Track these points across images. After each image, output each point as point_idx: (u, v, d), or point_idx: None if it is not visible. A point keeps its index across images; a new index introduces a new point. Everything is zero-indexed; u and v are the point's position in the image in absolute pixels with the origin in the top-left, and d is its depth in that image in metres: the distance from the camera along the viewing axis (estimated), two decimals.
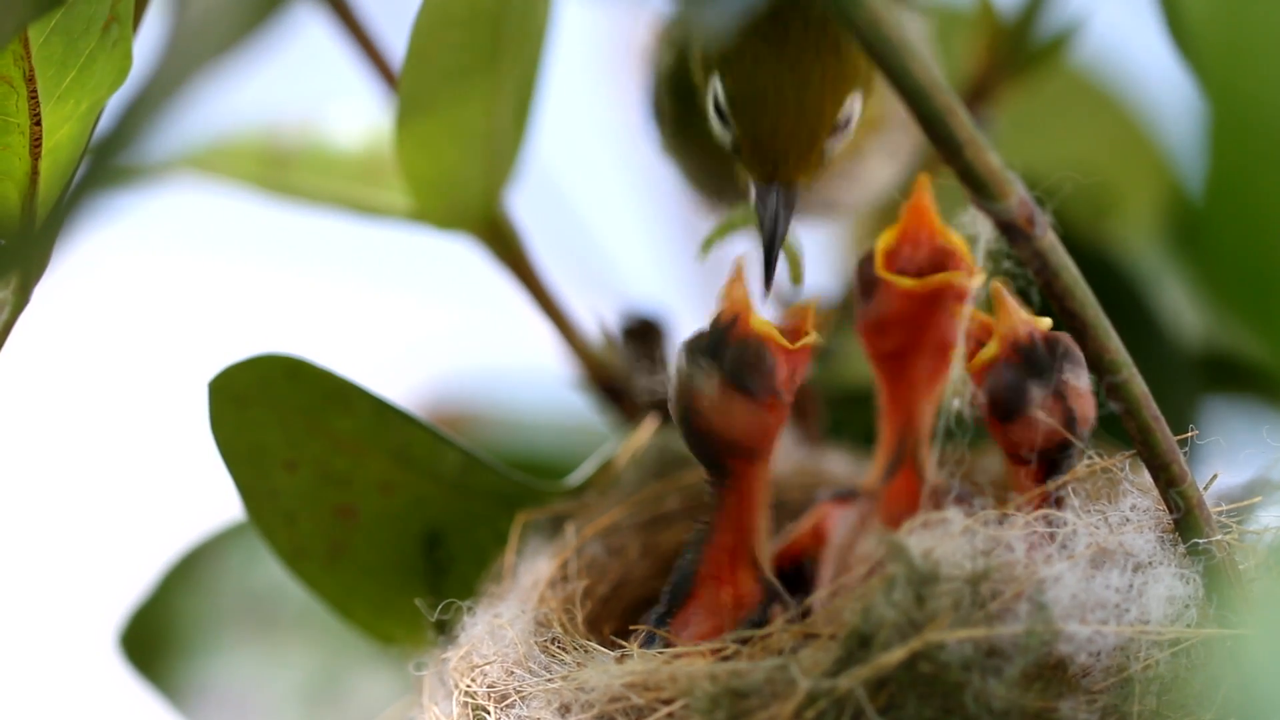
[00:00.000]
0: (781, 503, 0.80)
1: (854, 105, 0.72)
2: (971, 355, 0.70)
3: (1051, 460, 0.68)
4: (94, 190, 0.57)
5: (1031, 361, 0.68)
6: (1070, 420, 0.68)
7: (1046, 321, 0.69)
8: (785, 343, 0.69)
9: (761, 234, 0.71)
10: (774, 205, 0.71)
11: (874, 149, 0.78)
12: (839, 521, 0.75)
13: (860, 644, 0.61)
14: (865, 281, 0.73)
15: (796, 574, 0.75)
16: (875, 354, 0.74)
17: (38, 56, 0.65)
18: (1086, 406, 0.68)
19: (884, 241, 0.73)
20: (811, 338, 0.70)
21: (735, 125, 0.70)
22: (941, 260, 0.72)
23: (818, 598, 0.73)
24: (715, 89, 0.71)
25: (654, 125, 0.81)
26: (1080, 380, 0.68)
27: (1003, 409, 0.68)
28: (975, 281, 0.71)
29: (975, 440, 0.73)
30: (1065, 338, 0.68)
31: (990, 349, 0.69)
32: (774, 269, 0.71)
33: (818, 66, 0.70)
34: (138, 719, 0.93)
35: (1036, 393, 0.68)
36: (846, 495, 0.76)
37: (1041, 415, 0.67)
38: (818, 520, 0.76)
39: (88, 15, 0.65)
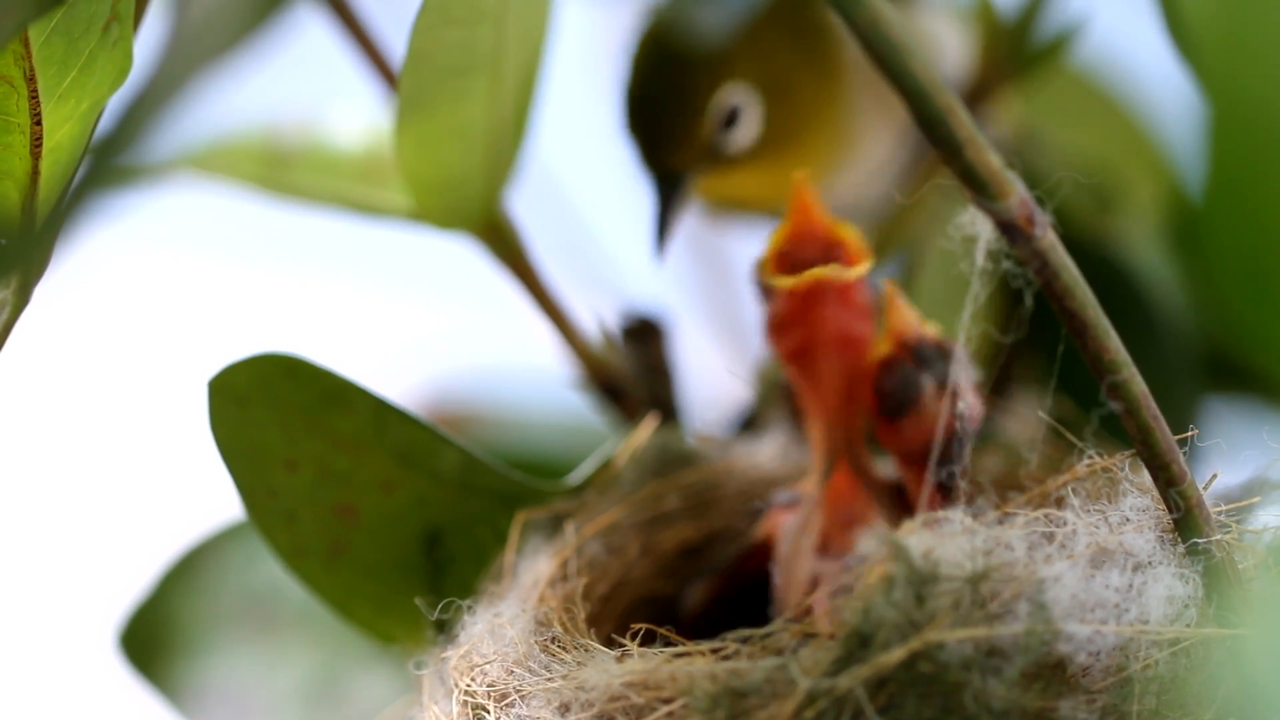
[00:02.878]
0: (745, 503, 0.80)
1: (735, 98, 0.74)
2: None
3: (942, 458, 0.69)
4: (94, 190, 0.57)
5: (920, 359, 0.71)
6: (959, 416, 0.69)
7: (934, 328, 0.72)
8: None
9: (652, 221, 0.75)
10: (660, 193, 0.74)
11: (860, 137, 0.79)
12: (784, 530, 0.76)
13: (860, 644, 0.61)
14: (760, 286, 0.74)
15: (756, 587, 0.75)
16: (783, 356, 0.75)
17: (38, 56, 0.65)
18: (975, 404, 0.71)
19: (772, 244, 0.73)
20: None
21: (623, 115, 0.73)
22: (832, 254, 0.73)
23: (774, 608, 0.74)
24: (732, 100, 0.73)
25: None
26: (968, 380, 0.71)
27: (893, 404, 0.71)
28: (856, 271, 0.72)
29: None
30: (954, 344, 0.71)
31: (881, 346, 0.72)
32: (662, 252, 0.75)
33: (684, 52, 0.72)
34: (138, 719, 0.93)
35: (927, 387, 0.71)
36: (791, 501, 0.76)
37: (929, 409, 0.69)
38: (769, 530, 0.76)
39: (88, 15, 0.65)
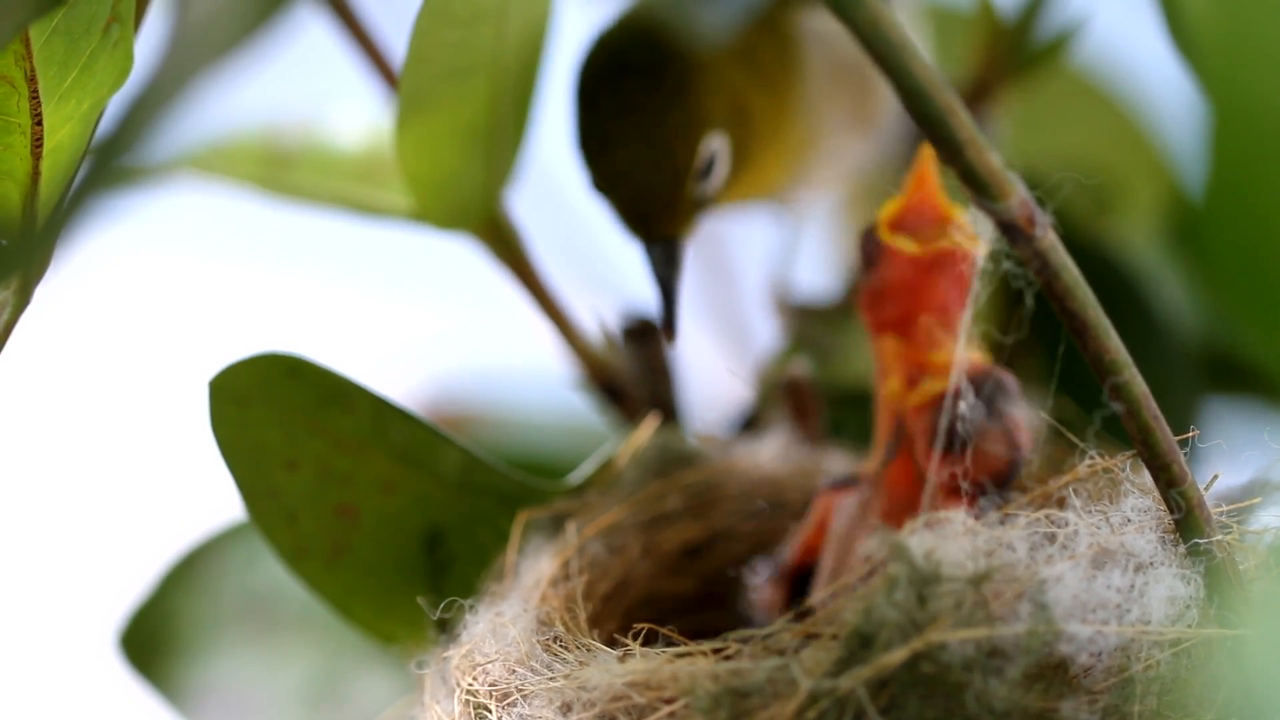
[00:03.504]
0: (783, 503, 0.80)
1: (713, 145, 0.73)
2: (907, 387, 0.70)
3: (992, 490, 0.69)
4: (95, 191, 0.57)
5: (978, 395, 0.69)
6: (1015, 451, 0.68)
7: (980, 354, 0.70)
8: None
9: (656, 293, 0.73)
10: (660, 263, 0.72)
11: (824, 131, 0.79)
12: (839, 510, 0.75)
13: (862, 644, 0.61)
14: (868, 251, 0.73)
15: (806, 574, 0.75)
16: (877, 325, 0.74)
17: (39, 56, 0.65)
18: (1027, 438, 0.69)
19: (888, 211, 0.72)
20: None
21: (597, 182, 0.72)
22: (944, 231, 0.72)
23: (818, 596, 0.73)
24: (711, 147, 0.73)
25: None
26: (1019, 412, 0.69)
27: (949, 442, 0.69)
28: (978, 250, 0.71)
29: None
30: (1001, 371, 0.69)
31: (935, 383, 0.69)
32: (674, 327, 0.72)
33: (660, 115, 0.71)
34: (137, 719, 0.93)
35: (985, 425, 0.69)
36: (845, 482, 0.76)
37: (990, 448, 0.68)
38: (822, 513, 0.75)
39: (89, 15, 0.65)
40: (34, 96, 0.66)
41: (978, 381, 0.69)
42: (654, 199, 0.73)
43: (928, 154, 0.72)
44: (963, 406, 0.69)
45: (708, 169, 0.74)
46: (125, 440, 1.35)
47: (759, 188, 0.81)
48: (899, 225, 0.72)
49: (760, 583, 0.76)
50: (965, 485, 0.68)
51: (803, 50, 0.79)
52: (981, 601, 0.61)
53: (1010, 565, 0.62)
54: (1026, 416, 0.70)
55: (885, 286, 0.73)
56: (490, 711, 0.67)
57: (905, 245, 0.71)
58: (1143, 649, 0.62)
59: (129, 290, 1.36)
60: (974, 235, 0.71)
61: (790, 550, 0.76)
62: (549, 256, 0.85)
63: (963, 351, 0.69)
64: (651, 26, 0.75)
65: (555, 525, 0.76)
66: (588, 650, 0.68)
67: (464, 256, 0.83)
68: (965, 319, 0.70)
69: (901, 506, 0.74)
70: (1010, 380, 0.70)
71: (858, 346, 0.86)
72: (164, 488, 1.27)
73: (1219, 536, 0.65)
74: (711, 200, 0.77)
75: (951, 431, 0.69)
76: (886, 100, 0.83)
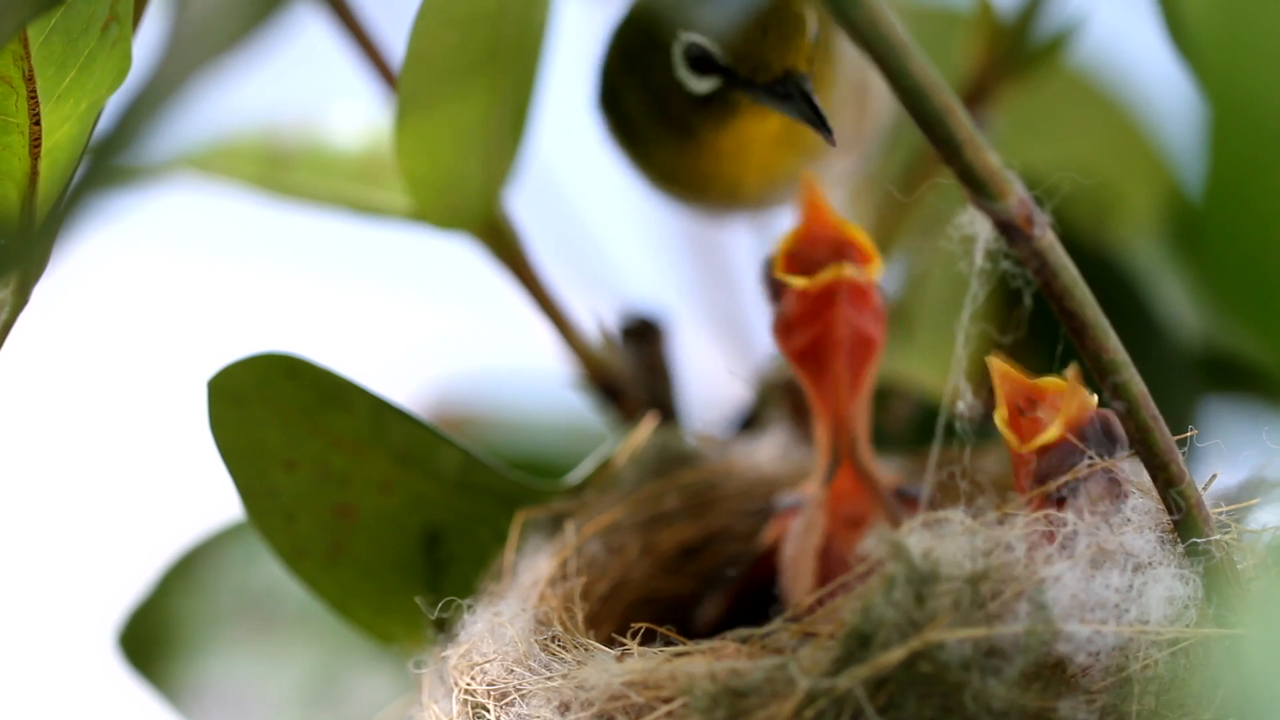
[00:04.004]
0: (751, 502, 0.80)
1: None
2: (1018, 425, 0.68)
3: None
4: (93, 190, 0.57)
5: (1090, 448, 0.66)
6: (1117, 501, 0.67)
7: (1094, 399, 0.67)
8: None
9: (800, 114, 0.72)
10: (795, 90, 0.72)
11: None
12: (790, 533, 0.75)
13: (860, 643, 0.61)
14: (770, 285, 0.73)
15: (768, 592, 0.75)
16: (790, 356, 0.74)
17: (37, 56, 0.65)
18: (1129, 487, 0.66)
19: (784, 244, 0.73)
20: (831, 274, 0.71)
21: (727, 51, 0.71)
22: (843, 254, 0.72)
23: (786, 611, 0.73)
24: (689, 40, 0.72)
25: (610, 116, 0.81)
26: (1125, 462, 0.67)
27: (1053, 492, 0.66)
28: (870, 271, 0.71)
29: (975, 442, 0.73)
30: (1112, 418, 0.67)
31: (1053, 432, 0.67)
32: (828, 124, 0.72)
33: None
34: (137, 719, 0.93)
35: (1091, 488, 0.66)
36: (795, 505, 0.76)
37: (1093, 501, 0.66)
38: (775, 535, 0.76)
39: (87, 15, 0.65)
40: (32, 96, 0.66)
41: (1094, 436, 0.67)
42: (783, 37, 0.73)
43: (809, 181, 0.73)
44: (1074, 461, 0.66)
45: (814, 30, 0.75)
46: (124, 440, 1.35)
47: (767, 180, 0.81)
48: (795, 257, 0.73)
49: (706, 599, 0.77)
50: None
51: (836, 63, 0.79)
52: (980, 601, 0.61)
53: (1008, 565, 0.62)
54: (1130, 463, 0.67)
55: (788, 321, 0.73)
56: (488, 711, 0.67)
57: (793, 281, 0.72)
58: (1141, 648, 0.62)
59: (127, 290, 1.36)
60: (871, 254, 0.72)
61: (738, 570, 0.77)
62: (548, 256, 0.85)
63: (1079, 400, 0.67)
64: None
65: (553, 525, 0.76)
66: (586, 650, 0.68)
67: (463, 257, 0.83)
68: (963, 329, 0.70)
69: (847, 522, 0.74)
70: (1119, 427, 0.67)
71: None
72: (163, 488, 1.27)
73: (1217, 536, 0.64)
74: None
75: (1052, 482, 0.66)
76: (876, 121, 0.82)
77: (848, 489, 0.75)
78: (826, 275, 0.71)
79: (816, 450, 0.76)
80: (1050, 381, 0.69)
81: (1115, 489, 0.66)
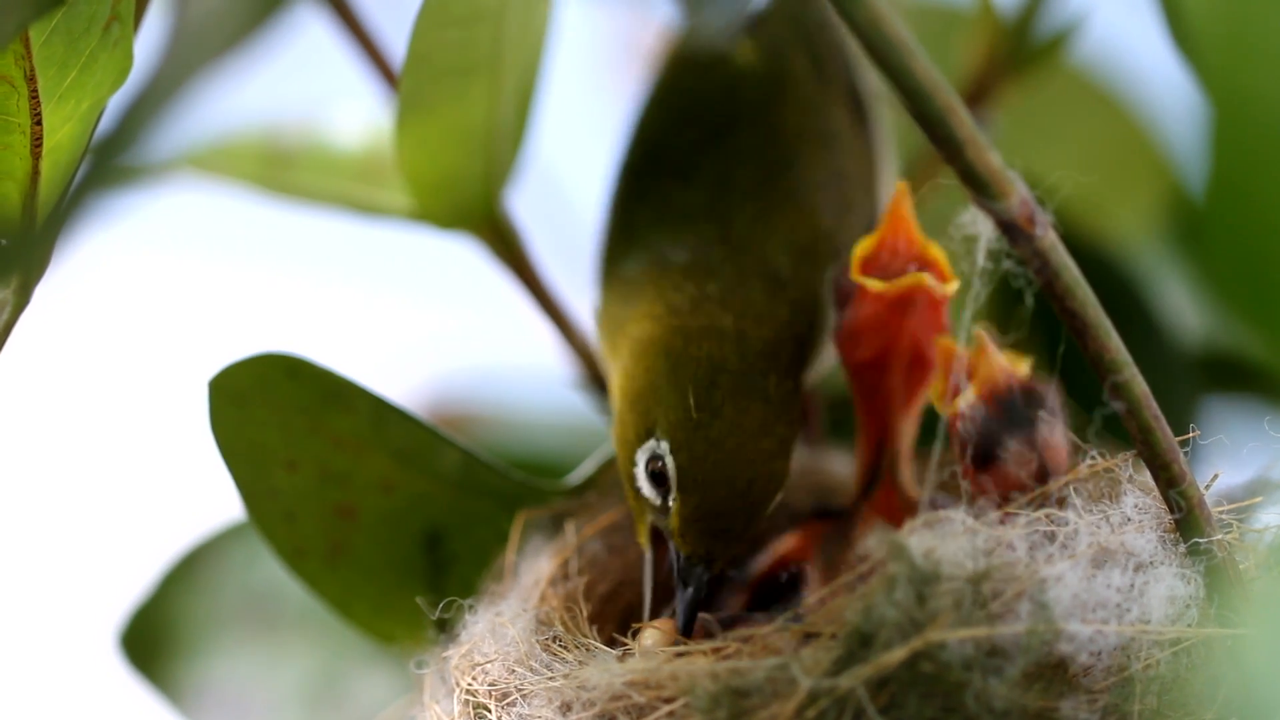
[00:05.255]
0: (781, 503, 0.79)
1: None
2: (951, 396, 0.69)
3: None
4: (95, 190, 0.57)
5: (1008, 412, 0.68)
6: (1042, 472, 0.67)
7: (1025, 367, 0.69)
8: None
9: (679, 608, 0.71)
10: (697, 584, 0.70)
11: None
12: (825, 540, 0.75)
13: (861, 643, 0.61)
14: (841, 290, 0.73)
15: (786, 583, 0.75)
16: (851, 364, 0.74)
17: (39, 56, 0.65)
18: (1059, 458, 0.68)
19: (861, 249, 0.72)
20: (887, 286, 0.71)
21: (680, 502, 0.70)
22: (923, 268, 0.72)
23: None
24: (658, 452, 0.70)
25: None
26: (1055, 433, 0.68)
27: (976, 456, 0.68)
28: (949, 288, 0.71)
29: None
30: (1043, 387, 0.68)
31: (968, 395, 0.68)
32: (689, 624, 0.71)
33: (774, 460, 0.70)
34: (137, 719, 0.93)
35: (1010, 444, 0.68)
36: (828, 513, 0.76)
37: (1013, 467, 0.67)
38: (803, 535, 0.75)
39: (89, 15, 0.65)
40: (34, 96, 0.66)
41: (1012, 401, 0.68)
42: (732, 533, 0.71)
43: (902, 192, 0.72)
44: (990, 424, 0.68)
45: None
46: (125, 440, 1.35)
47: None
48: (871, 263, 0.72)
49: (727, 590, 0.76)
50: (995, 499, 0.68)
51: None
52: (981, 600, 0.61)
53: (1010, 564, 0.62)
54: (1062, 433, 0.68)
55: (856, 327, 0.72)
56: (489, 711, 0.67)
57: (872, 284, 0.71)
58: (1142, 648, 0.62)
59: (129, 290, 1.36)
60: (949, 273, 0.71)
61: (759, 563, 0.76)
62: (549, 256, 0.85)
63: (995, 366, 0.68)
64: None
65: (555, 525, 0.76)
66: (587, 650, 0.68)
67: (464, 256, 0.83)
68: (964, 329, 0.70)
69: None
70: (1049, 395, 0.68)
71: None
72: (164, 488, 1.27)
73: (1219, 536, 0.64)
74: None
75: (975, 447, 0.68)
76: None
77: (887, 506, 0.74)
78: (907, 280, 0.71)
79: (857, 464, 0.75)
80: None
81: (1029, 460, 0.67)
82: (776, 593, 0.74)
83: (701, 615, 0.71)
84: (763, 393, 0.70)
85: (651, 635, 0.71)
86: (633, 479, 0.71)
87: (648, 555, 0.73)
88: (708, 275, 0.73)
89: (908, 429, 0.74)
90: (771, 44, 0.79)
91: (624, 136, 0.80)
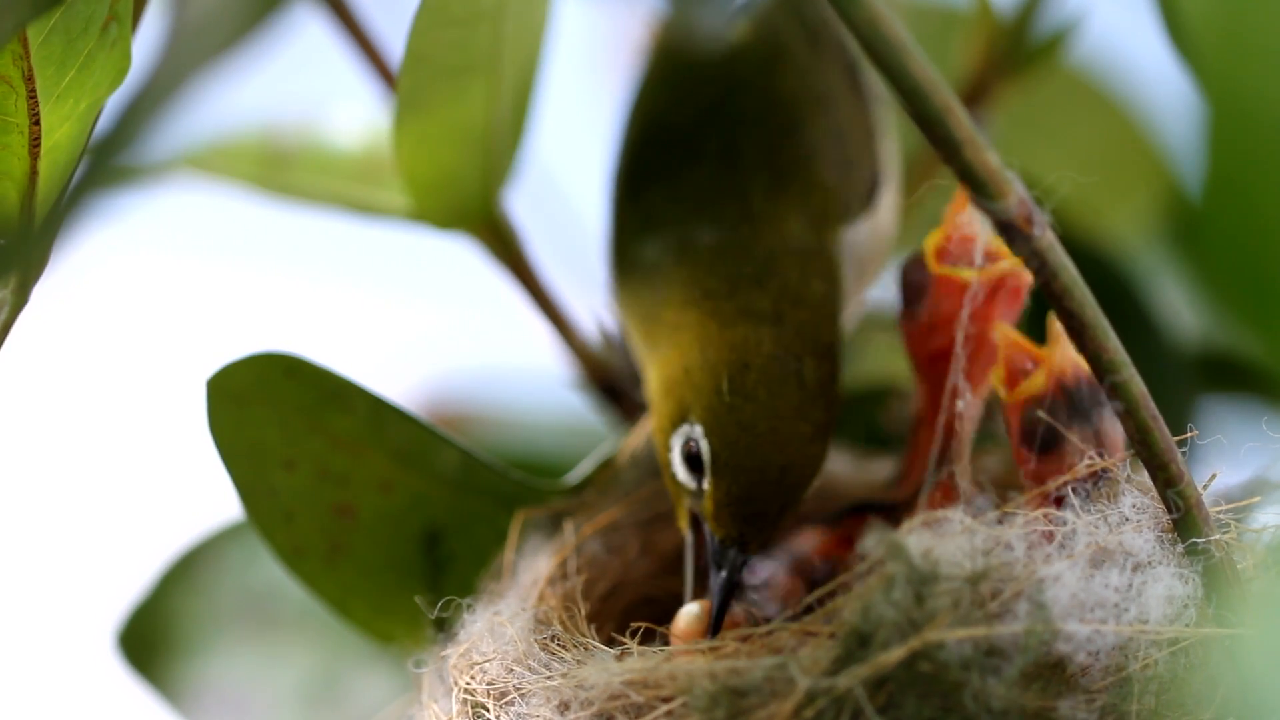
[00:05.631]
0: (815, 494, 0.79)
1: None
2: (1012, 382, 0.69)
3: (1075, 493, 0.68)
4: (93, 190, 0.57)
5: (1075, 402, 0.68)
6: (1095, 460, 0.68)
7: (1085, 363, 0.69)
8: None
9: (709, 590, 0.71)
10: (730, 567, 0.70)
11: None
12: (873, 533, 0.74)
13: (859, 643, 0.61)
14: (914, 284, 0.73)
15: (824, 574, 0.75)
16: (925, 358, 0.73)
17: (37, 56, 0.65)
18: (1116, 451, 0.68)
19: (932, 241, 0.72)
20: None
21: (713, 485, 0.70)
22: (991, 258, 0.71)
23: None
24: (692, 436, 0.71)
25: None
26: (1114, 426, 0.68)
27: (1041, 443, 0.68)
28: (1030, 278, 0.70)
29: (976, 441, 0.73)
30: (1094, 379, 0.67)
31: (1036, 381, 0.69)
32: (722, 620, 0.71)
33: (809, 444, 0.70)
34: (136, 719, 0.93)
35: (1076, 433, 0.68)
36: (881, 508, 0.75)
37: (1074, 455, 0.67)
38: (849, 529, 0.75)
39: (87, 15, 0.65)
40: (31, 96, 0.66)
41: (1080, 393, 0.69)
42: (767, 516, 0.71)
43: (960, 196, 0.72)
44: (1058, 412, 0.68)
45: None
46: (124, 440, 1.35)
47: None
48: (942, 256, 0.72)
49: (773, 574, 0.76)
50: (1052, 486, 0.68)
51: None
52: (979, 600, 0.61)
53: (1008, 564, 0.62)
54: (1118, 427, 0.68)
55: (935, 319, 0.72)
56: (488, 710, 0.67)
57: (962, 272, 0.71)
58: (1140, 648, 0.62)
59: (127, 289, 1.36)
60: (1021, 268, 0.70)
61: (807, 548, 0.76)
62: (547, 256, 0.85)
63: (1065, 355, 0.68)
64: None
65: (553, 524, 0.76)
66: (585, 649, 0.68)
67: (462, 256, 0.83)
68: (963, 329, 0.70)
69: None
70: (1098, 385, 0.67)
71: (854, 350, 0.86)
72: (162, 487, 1.27)
73: (1217, 535, 0.64)
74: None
75: (1038, 434, 0.68)
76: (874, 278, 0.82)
77: (945, 501, 0.73)
78: (1000, 268, 0.70)
79: (911, 460, 0.75)
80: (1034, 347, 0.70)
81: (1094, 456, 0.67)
82: (811, 584, 0.74)
83: (736, 603, 0.71)
84: (798, 376, 0.70)
85: (687, 616, 0.71)
86: (669, 464, 0.72)
87: (688, 539, 0.73)
88: (740, 256, 0.73)
89: (969, 426, 0.73)
90: (764, 21, 0.79)
91: (622, 117, 0.80)
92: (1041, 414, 0.68)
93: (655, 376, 0.73)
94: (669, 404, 0.72)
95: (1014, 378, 0.69)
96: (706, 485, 0.71)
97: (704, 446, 0.70)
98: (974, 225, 0.72)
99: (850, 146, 0.78)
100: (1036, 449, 0.68)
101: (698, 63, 0.79)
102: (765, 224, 0.74)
